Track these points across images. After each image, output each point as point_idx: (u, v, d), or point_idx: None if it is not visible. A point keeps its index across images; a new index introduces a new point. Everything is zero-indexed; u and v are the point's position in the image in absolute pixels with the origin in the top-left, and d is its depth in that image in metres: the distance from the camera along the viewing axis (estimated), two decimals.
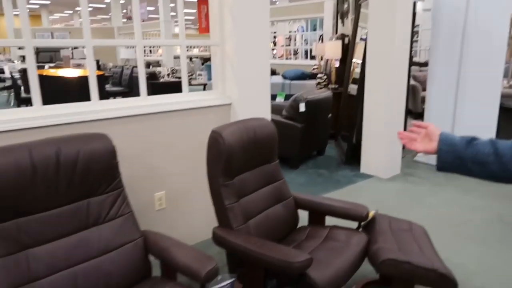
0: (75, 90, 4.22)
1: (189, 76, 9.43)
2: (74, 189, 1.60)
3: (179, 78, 8.91)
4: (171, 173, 2.56)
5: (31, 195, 1.49)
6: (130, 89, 7.58)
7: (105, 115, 2.15)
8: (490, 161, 0.97)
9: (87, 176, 1.62)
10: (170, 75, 9.29)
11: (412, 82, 7.08)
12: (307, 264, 1.65)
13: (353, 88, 5.15)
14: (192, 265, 1.55)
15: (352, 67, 5.29)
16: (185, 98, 2.53)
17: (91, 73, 2.17)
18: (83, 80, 4.30)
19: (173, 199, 2.61)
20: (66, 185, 1.57)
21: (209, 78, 10.49)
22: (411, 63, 4.49)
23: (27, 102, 6.16)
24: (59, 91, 4.03)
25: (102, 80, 6.35)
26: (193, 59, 14.53)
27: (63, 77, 4.23)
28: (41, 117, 1.96)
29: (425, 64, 7.24)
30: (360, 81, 4.35)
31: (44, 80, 2.04)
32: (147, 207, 2.49)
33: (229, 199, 1.92)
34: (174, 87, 6.57)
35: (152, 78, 7.28)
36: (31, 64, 1.96)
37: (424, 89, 7.39)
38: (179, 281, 1.68)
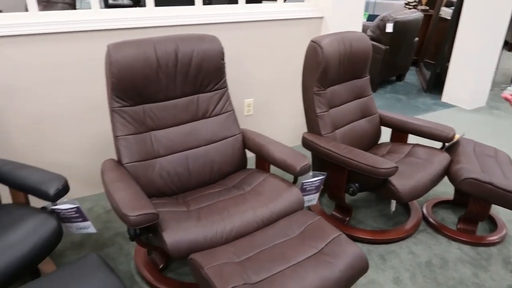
0: None
1: None
2: (188, 84, 1.80)
3: None
4: (260, 82, 2.70)
5: (155, 84, 1.71)
6: None
7: (208, 20, 2.28)
8: None
9: (199, 73, 1.80)
10: None
11: None
12: (392, 172, 1.77)
13: (445, 11, 4.77)
14: (288, 159, 1.74)
15: None
16: (279, 8, 2.56)
17: None
18: None
19: (260, 107, 2.78)
20: (182, 79, 1.77)
21: None
22: None
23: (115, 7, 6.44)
24: None
25: None
26: None
27: None
28: (154, 18, 2.13)
29: None
30: (458, 3, 4.02)
31: None
32: (236, 112, 2.70)
33: (321, 108, 2.04)
34: None
35: None
36: None
37: None
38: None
